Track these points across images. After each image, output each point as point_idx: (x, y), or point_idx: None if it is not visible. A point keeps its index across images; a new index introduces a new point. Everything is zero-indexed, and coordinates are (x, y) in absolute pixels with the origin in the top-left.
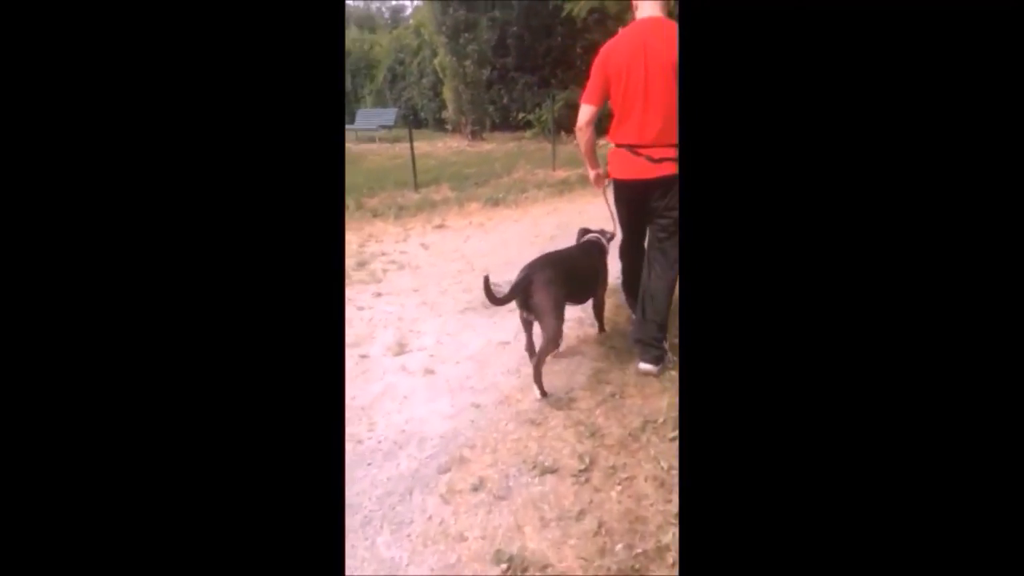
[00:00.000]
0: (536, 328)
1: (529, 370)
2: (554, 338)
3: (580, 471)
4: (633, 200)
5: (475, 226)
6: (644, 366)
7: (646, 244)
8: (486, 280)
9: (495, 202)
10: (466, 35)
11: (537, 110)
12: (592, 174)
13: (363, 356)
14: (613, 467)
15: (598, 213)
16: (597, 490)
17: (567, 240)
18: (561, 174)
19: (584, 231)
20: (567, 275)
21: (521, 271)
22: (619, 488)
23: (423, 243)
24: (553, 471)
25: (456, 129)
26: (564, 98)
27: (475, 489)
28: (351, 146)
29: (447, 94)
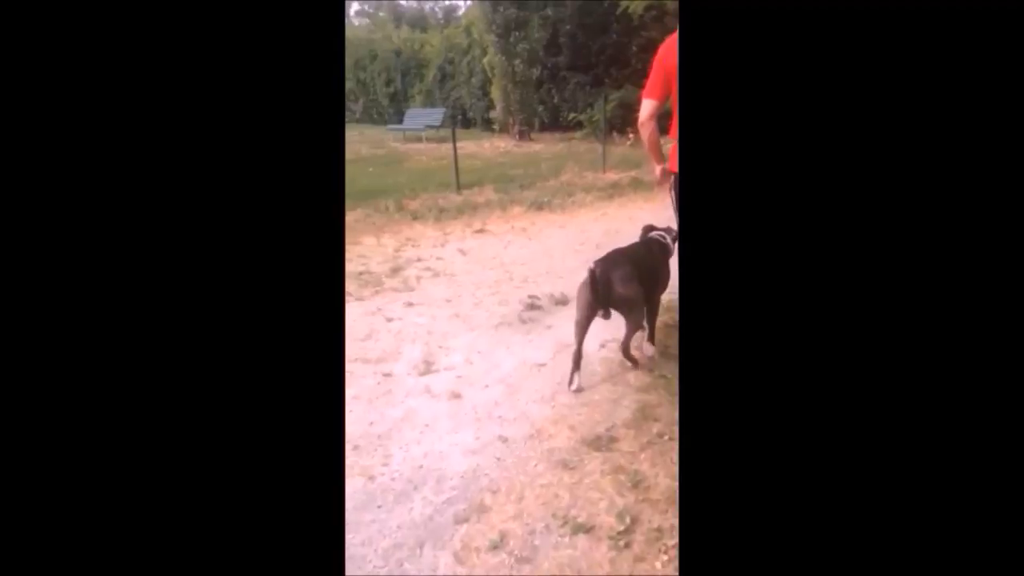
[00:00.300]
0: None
1: (565, 399)
2: (639, 323)
3: (619, 533)
4: None
5: (517, 231)
6: None
7: None
8: (592, 274)
9: (539, 206)
10: (516, 33)
11: (588, 110)
12: (657, 169)
13: (386, 375)
14: (659, 529)
15: (649, 219)
16: (639, 559)
17: (601, 253)
18: (611, 176)
19: (649, 228)
20: (639, 271)
21: (595, 268)
22: (664, 558)
23: (461, 248)
24: (587, 530)
25: (503, 129)
26: (618, 98)
27: (494, 547)
28: (398, 146)
29: (495, 93)
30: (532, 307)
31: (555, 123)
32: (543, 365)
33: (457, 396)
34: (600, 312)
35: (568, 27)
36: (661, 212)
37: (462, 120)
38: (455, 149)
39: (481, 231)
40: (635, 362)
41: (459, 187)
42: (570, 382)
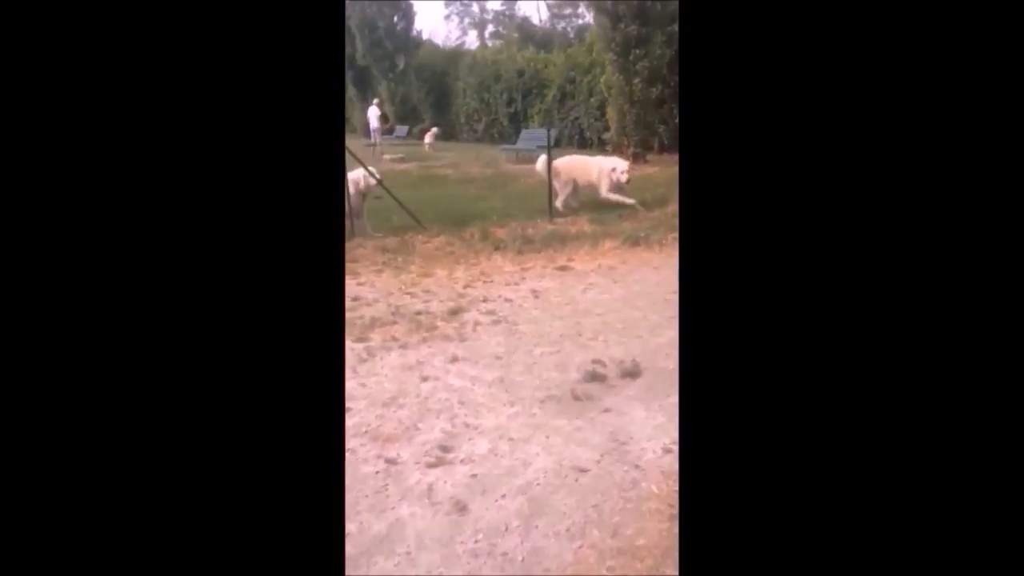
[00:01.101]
0: None
1: (599, 535)
2: None
3: None
4: None
5: (604, 271)
6: None
7: None
8: None
9: (635, 240)
10: (637, 51)
11: None
12: None
13: (390, 461)
14: None
15: None
16: None
17: None
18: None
19: None
20: None
21: None
22: None
23: (535, 289)
24: None
25: (618, 151)
26: None
27: None
28: (509, 167)
29: (611, 114)
30: (593, 377)
31: (675, 145)
32: (584, 471)
33: (462, 509)
34: None
35: None
36: None
37: (579, 140)
38: (550, 173)
39: (564, 268)
40: None
41: (552, 215)
42: None
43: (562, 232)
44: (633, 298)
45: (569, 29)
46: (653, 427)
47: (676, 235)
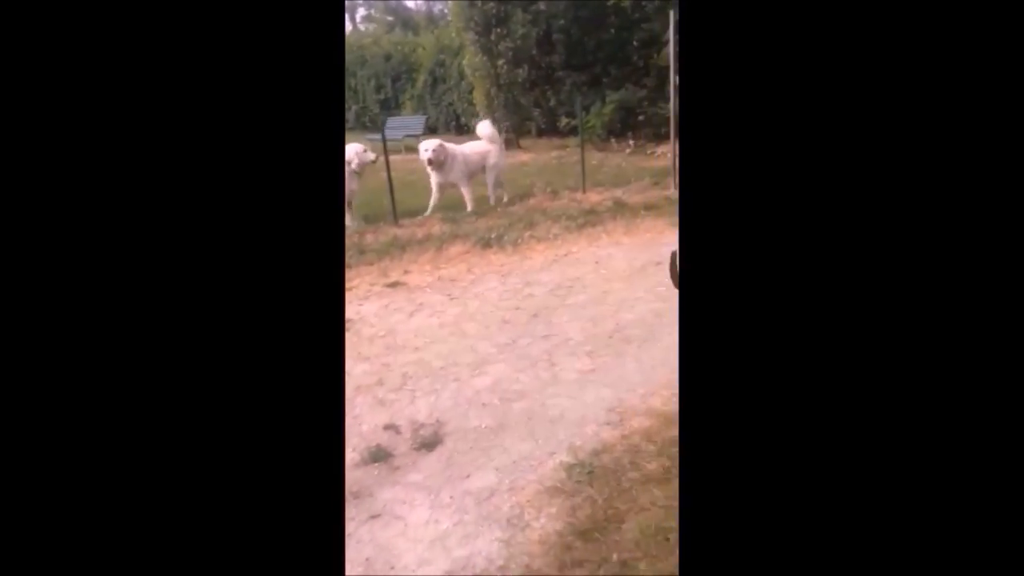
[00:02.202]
0: None
1: None
2: None
3: None
4: None
5: (441, 284)
6: None
7: None
8: (673, 256)
9: (486, 243)
10: (498, 30)
11: (584, 114)
12: None
13: None
14: None
15: (624, 257)
16: None
17: (541, 323)
18: (593, 198)
19: None
20: None
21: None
22: None
23: (350, 317)
24: None
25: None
26: (617, 99)
27: None
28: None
29: (477, 97)
30: (376, 456)
31: (553, 128)
32: None
33: None
34: None
35: (562, 22)
36: (642, 251)
37: (455, 127)
38: (388, 168)
39: (395, 284)
40: None
41: (396, 217)
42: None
43: (406, 237)
44: (466, 320)
45: (446, 10)
46: (431, 540)
47: (533, 233)
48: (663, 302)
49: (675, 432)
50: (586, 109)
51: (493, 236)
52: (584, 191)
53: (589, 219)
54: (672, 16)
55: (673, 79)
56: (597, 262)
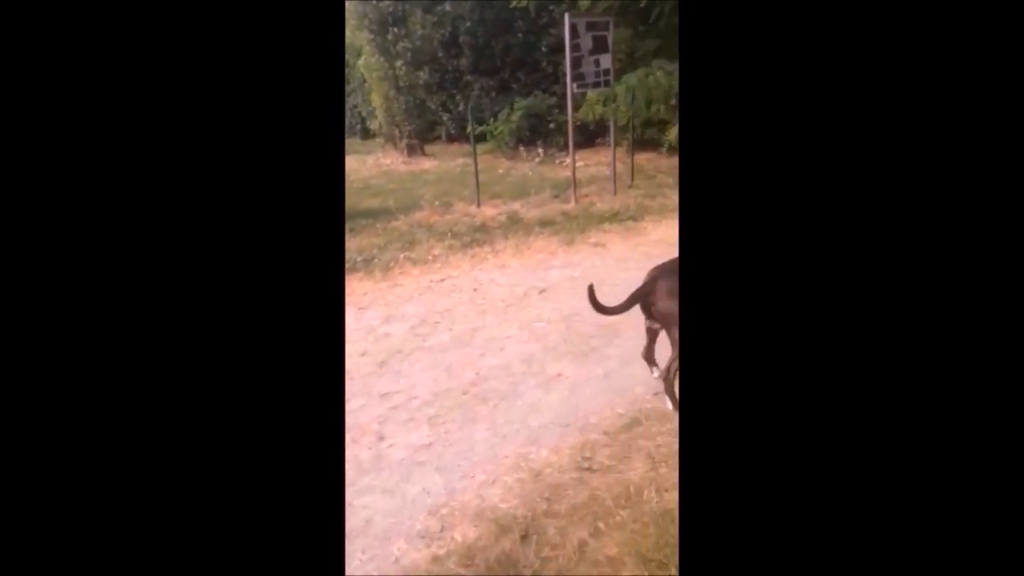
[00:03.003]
0: (662, 336)
1: None
2: None
3: None
4: None
5: None
6: None
7: None
8: (591, 289)
9: (351, 267)
10: (395, 30)
11: (493, 120)
12: None
13: None
14: None
15: (507, 284)
16: None
17: (386, 375)
18: (488, 212)
19: None
20: None
21: (648, 274)
22: None
23: None
24: None
25: (389, 141)
26: (525, 106)
27: None
28: None
29: (375, 100)
30: None
31: (463, 134)
32: None
33: None
34: (652, 323)
35: (468, 24)
36: (528, 274)
37: (360, 131)
38: None
39: None
40: (675, 402)
41: None
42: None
43: None
44: None
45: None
46: None
47: (411, 255)
48: (536, 341)
49: (509, 544)
50: (495, 116)
51: (361, 259)
52: (479, 204)
53: (477, 237)
54: (567, 20)
55: (570, 87)
56: (476, 289)
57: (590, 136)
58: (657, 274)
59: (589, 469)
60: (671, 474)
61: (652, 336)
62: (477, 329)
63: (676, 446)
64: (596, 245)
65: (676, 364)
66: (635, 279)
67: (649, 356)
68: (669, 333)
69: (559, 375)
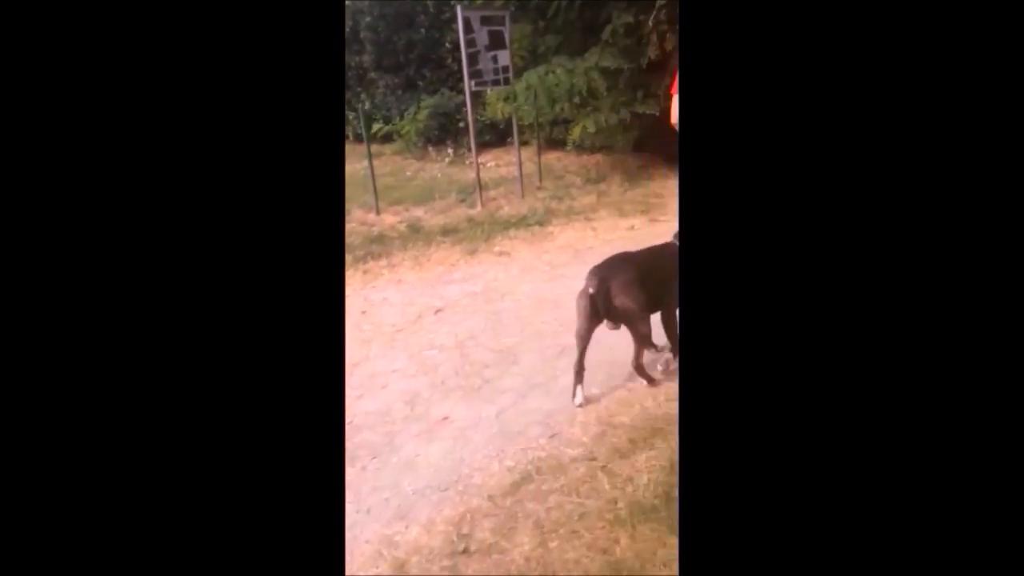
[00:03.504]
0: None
1: None
2: (647, 337)
3: None
4: None
5: None
6: None
7: None
8: (588, 281)
9: None
10: None
11: (398, 119)
12: None
13: None
14: None
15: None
16: None
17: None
18: (388, 220)
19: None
20: (644, 277)
21: (591, 275)
22: None
23: None
24: None
25: None
26: (431, 105)
27: None
28: None
29: None
30: None
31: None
32: None
33: None
34: (606, 323)
35: (368, 19)
36: (424, 291)
37: None
38: None
39: None
40: (650, 380)
41: None
42: (573, 395)
43: None
44: None
45: None
46: None
47: None
48: (424, 375)
49: None
50: (402, 114)
51: None
52: (378, 212)
53: (373, 249)
54: (459, 13)
55: (468, 84)
56: (364, 312)
57: (501, 135)
58: (604, 275)
59: (465, 552)
60: (561, 549)
61: (584, 343)
62: (358, 364)
63: (570, 507)
64: (501, 254)
65: (641, 352)
66: (538, 292)
67: (579, 370)
68: (629, 327)
69: (445, 419)
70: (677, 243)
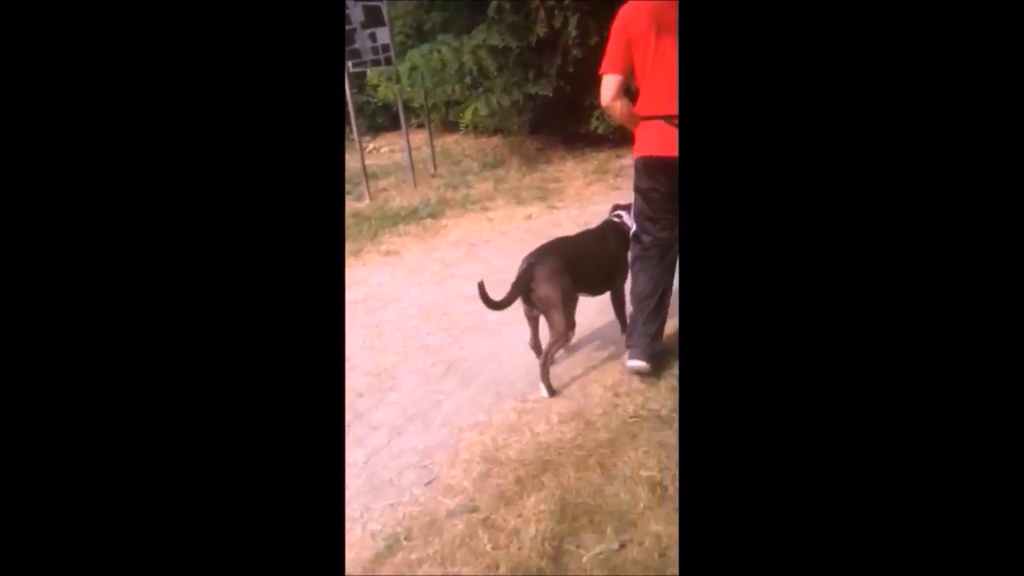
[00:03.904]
0: (543, 323)
1: None
2: (564, 334)
3: None
4: (671, 183)
5: None
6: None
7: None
8: (481, 285)
9: None
10: None
11: None
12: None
13: None
14: None
15: None
16: None
17: None
18: None
19: (616, 207)
20: (576, 263)
21: (523, 261)
22: None
23: None
24: None
25: None
26: None
27: None
28: None
29: None
30: None
31: None
32: None
33: None
34: (525, 311)
35: None
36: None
37: None
38: None
39: None
40: (550, 390)
41: None
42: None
43: None
44: None
45: None
46: None
47: None
48: None
49: None
50: None
51: None
52: None
53: None
54: None
55: (347, 65)
56: None
57: (396, 118)
58: (533, 260)
59: None
60: None
61: (534, 324)
62: None
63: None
64: (388, 254)
65: (554, 349)
66: (426, 297)
67: (535, 345)
68: (548, 318)
69: None
70: (617, 220)
